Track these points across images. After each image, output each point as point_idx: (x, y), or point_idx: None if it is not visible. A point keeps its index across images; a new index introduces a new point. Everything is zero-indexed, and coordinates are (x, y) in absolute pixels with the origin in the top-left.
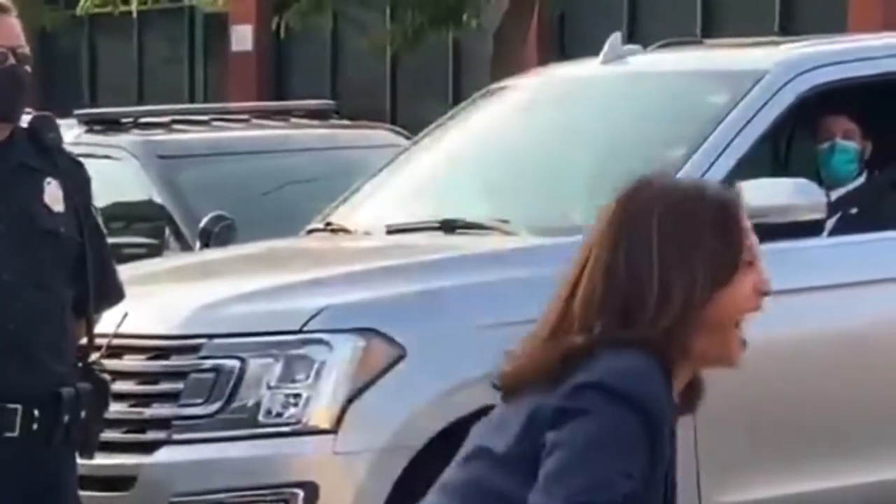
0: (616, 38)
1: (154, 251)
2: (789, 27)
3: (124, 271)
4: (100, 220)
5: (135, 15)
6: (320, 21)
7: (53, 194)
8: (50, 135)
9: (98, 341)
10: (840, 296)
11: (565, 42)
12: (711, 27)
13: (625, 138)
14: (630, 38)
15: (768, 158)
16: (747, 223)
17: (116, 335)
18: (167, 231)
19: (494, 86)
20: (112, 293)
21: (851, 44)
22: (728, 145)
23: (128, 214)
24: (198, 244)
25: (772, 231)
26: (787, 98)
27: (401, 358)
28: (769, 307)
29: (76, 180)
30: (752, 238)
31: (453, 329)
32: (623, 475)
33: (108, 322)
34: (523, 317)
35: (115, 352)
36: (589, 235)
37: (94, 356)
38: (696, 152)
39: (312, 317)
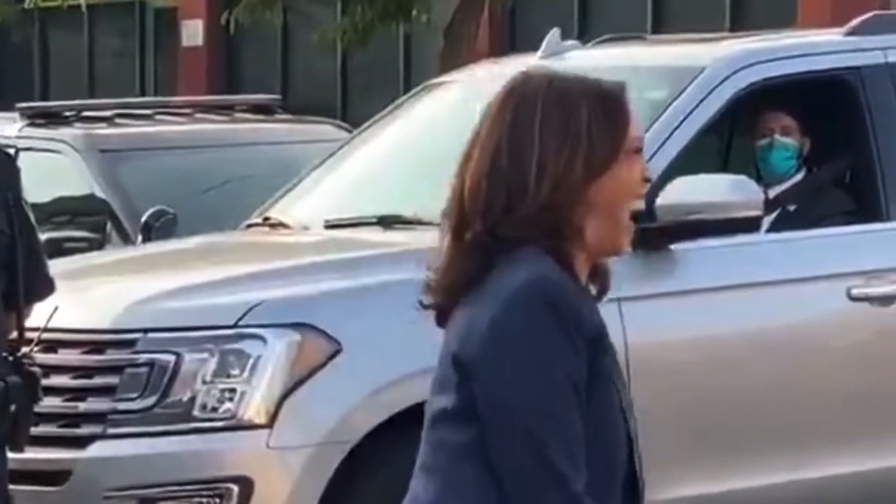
0: (555, 33)
1: (95, 245)
2: (739, 23)
3: (61, 265)
4: (30, 214)
5: (84, 9)
6: (269, 16)
7: None
8: None
9: (29, 335)
10: (778, 293)
11: (516, 37)
12: (662, 23)
13: None
14: (581, 33)
15: (707, 154)
16: (632, 114)
17: (50, 329)
18: (108, 225)
19: (435, 81)
20: (43, 286)
21: (791, 40)
22: (665, 141)
23: (69, 208)
24: (139, 238)
25: (711, 227)
26: (725, 94)
27: (337, 353)
28: (708, 303)
29: (6, 173)
30: (638, 129)
31: (389, 324)
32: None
33: (39, 315)
34: None
35: (51, 345)
36: (472, 131)
37: (24, 350)
38: None
39: (247, 311)
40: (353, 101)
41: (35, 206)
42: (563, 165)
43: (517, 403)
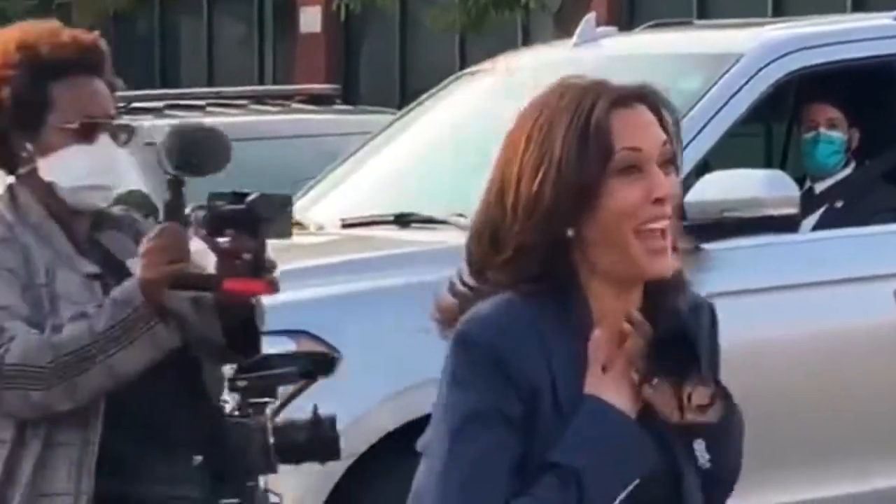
0: (590, 19)
1: None
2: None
3: None
4: None
5: None
6: (382, 2)
7: None
8: None
9: None
10: (821, 295)
11: (635, 16)
12: (783, 7)
13: None
14: (700, 13)
15: (752, 148)
16: (631, 127)
17: None
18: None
19: (467, 71)
20: None
21: (836, 25)
22: (698, 133)
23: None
24: None
25: (743, 226)
26: (764, 83)
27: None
28: (744, 306)
29: None
30: (641, 140)
31: (391, 331)
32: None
33: None
34: None
35: None
36: None
37: None
38: None
39: None
40: None
41: None
42: (533, 200)
43: (431, 443)
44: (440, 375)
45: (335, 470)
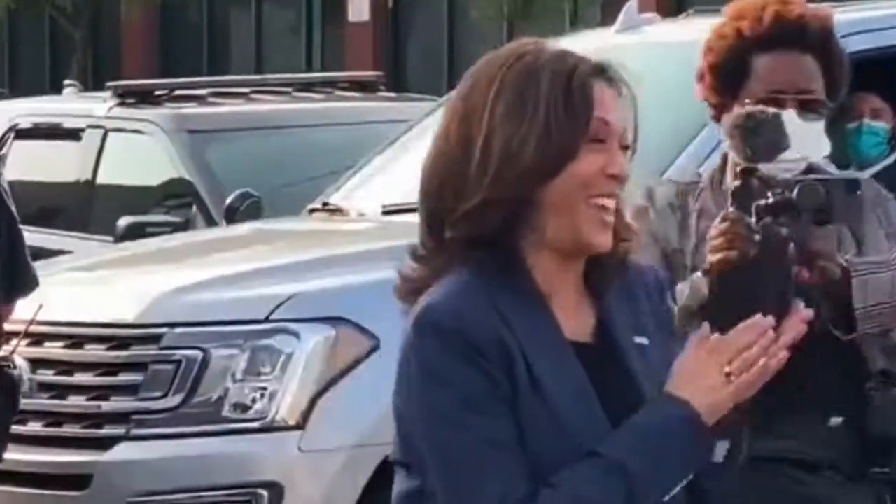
0: (632, 5)
1: (180, 229)
2: None
3: (97, 255)
4: (11, 206)
5: None
6: None
7: None
8: None
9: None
10: None
11: (683, 6)
12: None
13: None
14: None
15: None
16: (604, 98)
17: (76, 323)
18: (194, 208)
19: None
20: (25, 282)
21: (881, 11)
22: None
23: (156, 191)
24: (223, 222)
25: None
26: None
27: (374, 349)
28: None
29: None
30: (611, 114)
31: None
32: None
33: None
34: None
35: (77, 341)
36: None
37: (4, 350)
38: (705, 126)
39: (279, 305)
40: None
41: (121, 189)
42: (511, 154)
43: (422, 447)
44: (400, 371)
45: (370, 459)
